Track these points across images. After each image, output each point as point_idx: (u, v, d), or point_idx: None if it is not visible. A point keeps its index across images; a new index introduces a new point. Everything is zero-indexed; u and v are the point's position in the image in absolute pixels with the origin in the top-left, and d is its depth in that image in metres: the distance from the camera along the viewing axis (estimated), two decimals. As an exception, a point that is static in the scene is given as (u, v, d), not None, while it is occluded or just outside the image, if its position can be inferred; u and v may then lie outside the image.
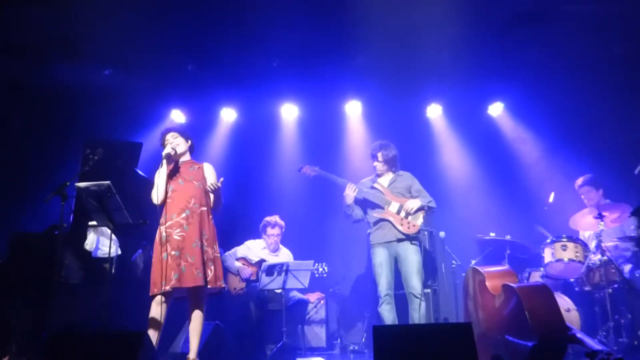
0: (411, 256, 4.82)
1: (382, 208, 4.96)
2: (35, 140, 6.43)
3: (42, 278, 4.47)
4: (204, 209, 4.26)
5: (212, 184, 4.23)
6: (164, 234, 4.13)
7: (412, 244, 4.87)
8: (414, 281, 4.76)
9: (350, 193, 5.00)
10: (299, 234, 6.53)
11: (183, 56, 6.58)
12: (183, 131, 4.47)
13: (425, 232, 4.97)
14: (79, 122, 6.48)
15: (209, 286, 4.13)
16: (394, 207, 4.94)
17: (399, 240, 4.88)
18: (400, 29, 5.93)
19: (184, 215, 4.16)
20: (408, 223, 4.86)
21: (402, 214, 4.90)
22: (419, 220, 4.88)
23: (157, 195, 4.21)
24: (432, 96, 7.18)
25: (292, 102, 7.28)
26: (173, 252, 4.07)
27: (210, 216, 4.31)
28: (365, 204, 5.06)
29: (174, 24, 5.97)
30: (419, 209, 4.89)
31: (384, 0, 5.61)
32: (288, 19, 5.91)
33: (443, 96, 7.15)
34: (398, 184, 5.05)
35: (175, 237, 4.11)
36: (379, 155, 5.07)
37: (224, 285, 4.28)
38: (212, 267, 4.17)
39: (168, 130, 4.45)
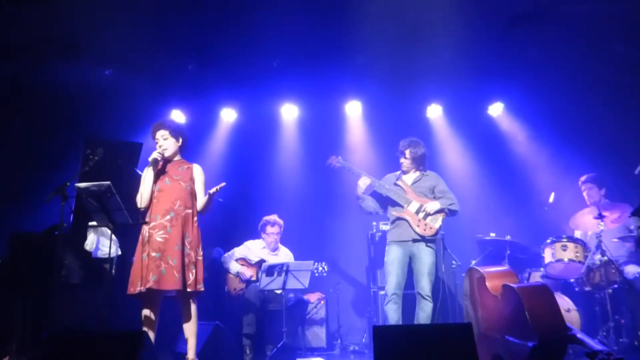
0: (424, 257, 4.77)
1: (402, 206, 4.90)
2: (36, 140, 6.43)
3: (42, 278, 4.47)
4: (189, 211, 4.24)
5: (212, 191, 4.18)
6: (146, 234, 4.14)
7: (427, 245, 4.80)
8: (424, 282, 4.74)
9: (361, 185, 4.94)
10: (299, 233, 6.53)
11: (183, 56, 6.59)
12: (175, 128, 4.37)
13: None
14: (80, 121, 6.48)
15: (188, 290, 4.11)
16: (413, 206, 4.87)
17: (415, 241, 4.81)
18: (400, 29, 5.94)
19: (168, 217, 4.16)
20: (425, 225, 4.80)
21: (421, 214, 4.83)
22: (437, 223, 4.81)
23: (140, 200, 4.23)
24: (432, 96, 7.18)
25: (292, 102, 7.28)
26: (153, 254, 4.06)
27: (195, 219, 4.29)
28: (385, 200, 4.99)
29: (174, 24, 5.98)
30: (438, 211, 4.83)
31: (384, 1, 5.61)
32: (288, 19, 5.91)
33: (443, 96, 7.16)
34: (422, 184, 4.97)
35: (158, 238, 4.10)
36: (407, 152, 4.98)
37: (202, 289, 4.23)
38: (194, 271, 4.16)
39: (159, 127, 4.34)
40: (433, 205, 4.83)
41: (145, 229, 4.17)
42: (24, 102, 6.42)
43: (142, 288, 4.01)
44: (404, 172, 5.07)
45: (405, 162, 5.03)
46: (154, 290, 4.02)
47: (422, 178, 5.02)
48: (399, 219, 4.90)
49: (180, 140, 4.39)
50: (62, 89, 6.35)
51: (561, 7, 5.79)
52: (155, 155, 4.26)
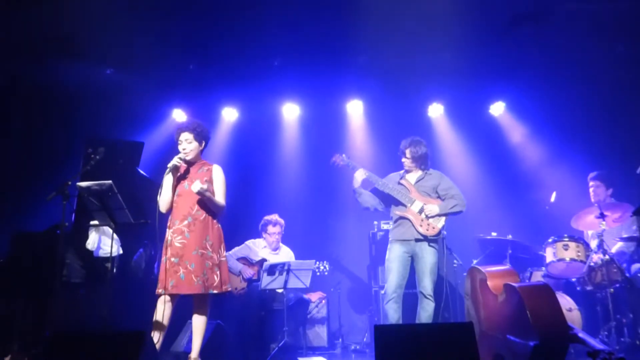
0: (427, 256, 4.77)
1: (405, 206, 4.90)
2: (37, 139, 6.45)
3: (43, 277, 4.48)
4: (208, 214, 4.22)
5: (200, 189, 4.09)
6: (169, 237, 4.16)
7: (430, 245, 4.81)
8: (426, 281, 4.74)
9: (358, 177, 4.92)
10: (300, 233, 6.53)
11: (184, 55, 6.59)
12: (199, 132, 4.31)
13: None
14: (81, 121, 6.50)
15: (215, 291, 4.14)
16: (416, 206, 4.86)
17: (417, 240, 4.81)
18: (401, 28, 5.93)
19: (186, 222, 4.16)
20: (428, 224, 4.80)
21: (424, 214, 4.84)
22: (440, 222, 4.81)
23: (163, 206, 4.23)
24: (433, 95, 7.17)
25: (293, 102, 7.27)
26: (172, 259, 4.08)
27: (215, 220, 4.27)
28: (389, 199, 4.99)
29: (176, 24, 5.97)
30: (438, 215, 4.83)
31: (385, 0, 5.61)
32: (289, 18, 5.90)
33: (444, 95, 7.15)
34: (425, 183, 4.97)
35: (176, 243, 4.12)
36: (407, 151, 4.96)
37: (229, 289, 4.28)
38: (218, 272, 4.17)
39: (185, 129, 4.30)
40: (432, 209, 4.83)
41: (168, 232, 4.19)
42: (26, 102, 6.43)
43: (161, 291, 4.05)
44: (407, 171, 5.07)
45: (406, 162, 5.02)
46: (172, 294, 4.06)
47: (425, 177, 5.01)
48: (401, 218, 4.90)
49: (203, 143, 4.37)
50: (63, 89, 6.37)
51: (562, 6, 5.78)
52: (175, 161, 4.21)
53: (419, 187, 4.96)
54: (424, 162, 5.02)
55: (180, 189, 4.25)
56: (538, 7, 5.80)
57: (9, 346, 4.49)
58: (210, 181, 4.28)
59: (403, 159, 5.03)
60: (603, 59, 6.34)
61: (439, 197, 4.95)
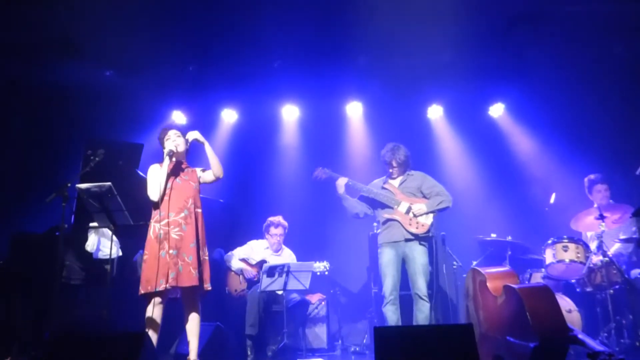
0: (418, 257, 4.80)
1: (392, 208, 4.94)
2: (37, 141, 6.45)
3: (43, 279, 4.48)
4: (199, 210, 4.31)
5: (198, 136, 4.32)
6: (159, 231, 4.14)
7: (420, 244, 4.84)
8: (420, 282, 4.76)
9: (341, 183, 4.99)
10: (299, 234, 6.53)
11: (184, 57, 6.60)
12: (184, 133, 4.47)
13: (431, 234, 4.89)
14: (81, 122, 6.50)
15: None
16: (403, 207, 4.90)
17: (407, 240, 4.84)
18: (401, 29, 5.94)
19: (182, 214, 4.19)
20: (417, 223, 4.83)
21: (411, 214, 4.87)
22: (429, 220, 4.85)
23: (157, 191, 4.19)
24: (433, 97, 7.18)
25: (293, 103, 7.28)
26: (171, 251, 4.08)
27: (202, 218, 4.34)
28: (375, 204, 5.04)
29: (175, 25, 5.98)
30: (425, 214, 4.86)
31: (385, 1, 5.61)
32: (289, 19, 5.91)
33: (444, 97, 7.16)
34: (409, 184, 5.02)
35: (174, 235, 4.12)
36: (394, 162, 5.01)
37: (210, 288, 4.27)
38: (202, 270, 4.21)
39: (171, 127, 4.47)
40: (419, 207, 4.88)
41: (156, 226, 4.16)
42: (26, 103, 6.43)
43: (165, 286, 3.99)
44: (389, 176, 5.12)
45: (394, 171, 5.07)
46: (168, 288, 4.04)
47: (407, 179, 5.07)
48: (389, 220, 4.94)
49: (188, 144, 4.46)
50: (64, 90, 6.37)
51: (562, 7, 5.79)
52: (171, 146, 4.28)
53: (404, 189, 5.02)
54: (408, 165, 5.09)
55: (173, 182, 4.28)
56: (537, 8, 5.81)
57: (8, 347, 4.48)
58: (198, 181, 4.39)
59: (390, 170, 5.08)
60: (602, 60, 6.35)
61: (424, 196, 4.99)
